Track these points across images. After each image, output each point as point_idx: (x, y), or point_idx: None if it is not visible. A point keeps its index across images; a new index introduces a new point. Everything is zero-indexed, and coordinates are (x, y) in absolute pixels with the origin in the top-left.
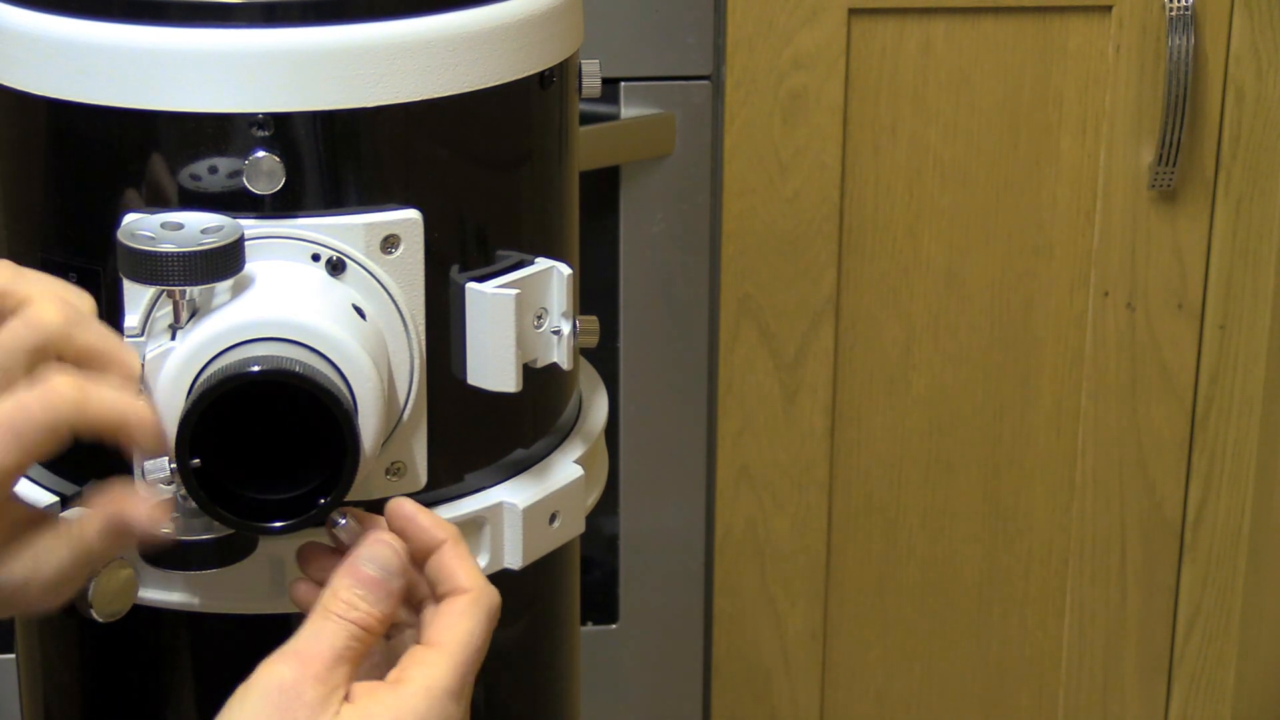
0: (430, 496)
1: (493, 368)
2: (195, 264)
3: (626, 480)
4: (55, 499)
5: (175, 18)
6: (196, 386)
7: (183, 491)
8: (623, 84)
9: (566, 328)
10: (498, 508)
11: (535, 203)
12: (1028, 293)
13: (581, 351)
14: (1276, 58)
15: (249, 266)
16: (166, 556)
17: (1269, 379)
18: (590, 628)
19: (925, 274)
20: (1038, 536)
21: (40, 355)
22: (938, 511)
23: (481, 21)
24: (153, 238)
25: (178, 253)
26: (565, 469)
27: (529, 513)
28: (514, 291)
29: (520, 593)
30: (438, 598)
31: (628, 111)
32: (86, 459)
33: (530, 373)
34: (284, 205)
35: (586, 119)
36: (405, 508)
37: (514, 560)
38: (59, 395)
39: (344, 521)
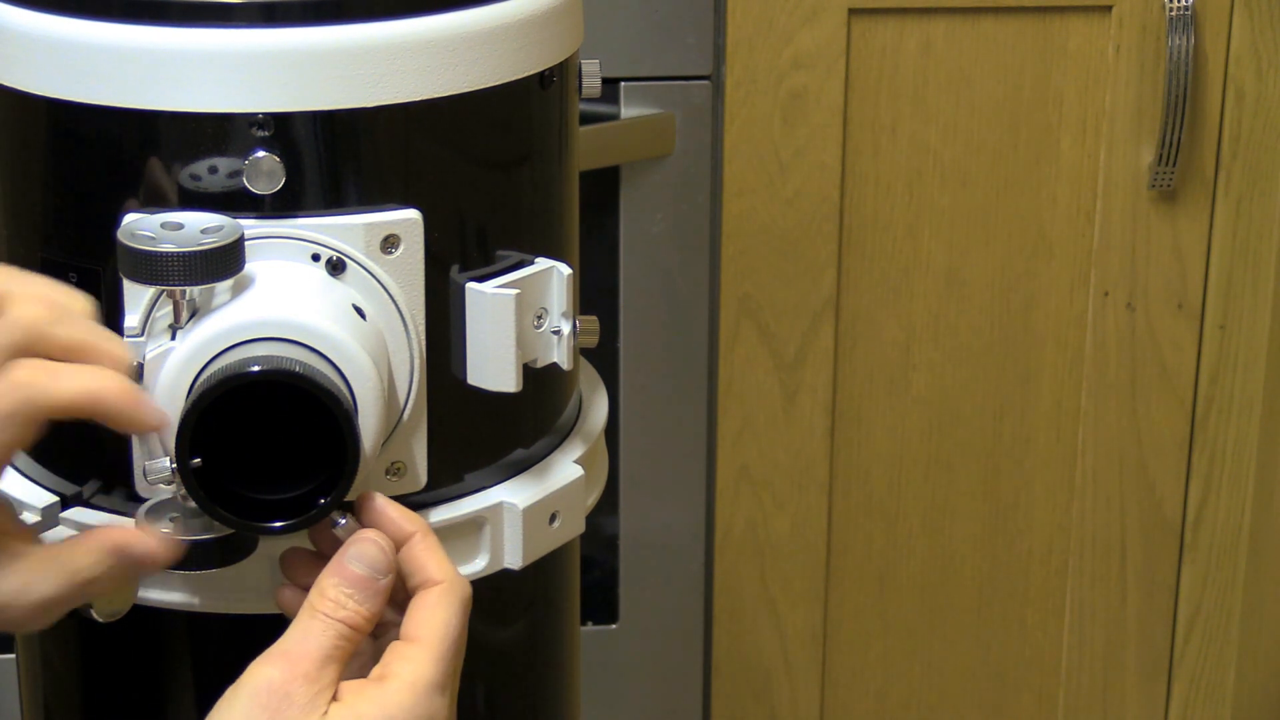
0: (430, 496)
1: (493, 368)
2: (195, 264)
3: (626, 480)
4: (55, 499)
5: (175, 18)
6: (196, 386)
7: (183, 492)
8: (623, 84)
9: (566, 328)
10: (498, 508)
11: (535, 203)
12: (1028, 293)
13: (581, 351)
14: (1276, 58)
15: (249, 266)
16: None
17: (1269, 379)
18: (590, 628)
19: (925, 274)
20: (1038, 536)
21: (18, 353)
22: (938, 511)
23: (481, 21)
24: (153, 238)
25: (178, 253)
26: (565, 469)
27: (529, 513)
28: (514, 291)
29: (520, 593)
30: (409, 590)
31: (628, 111)
32: (86, 458)
33: (530, 373)
34: (284, 205)
35: (586, 119)
36: (373, 501)
37: (514, 560)
38: (22, 381)
39: (344, 521)
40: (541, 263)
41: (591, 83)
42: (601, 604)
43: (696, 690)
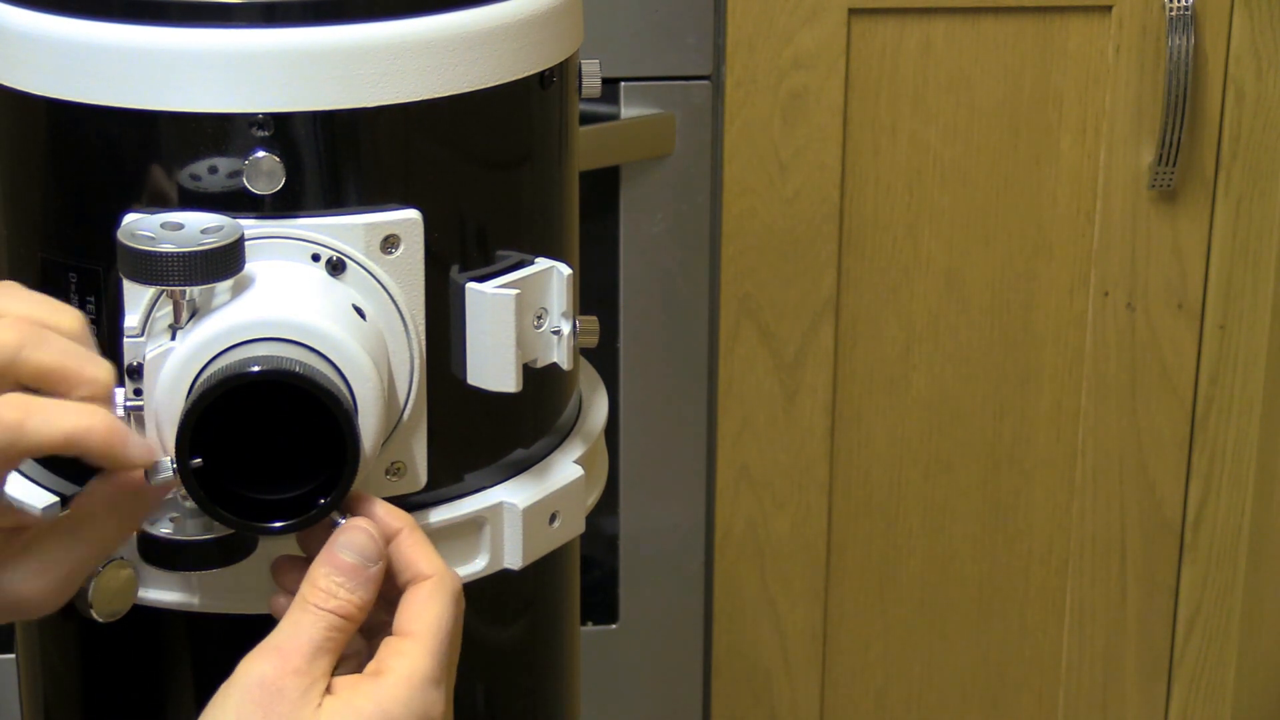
0: (430, 496)
1: (493, 368)
2: (195, 264)
3: (626, 480)
4: (55, 499)
5: (175, 18)
6: (196, 386)
7: (183, 492)
8: (623, 84)
9: (566, 328)
10: (498, 508)
11: (535, 203)
12: (1028, 293)
13: (581, 351)
14: (1276, 58)
15: (249, 266)
16: (167, 557)
17: (1269, 379)
18: (590, 628)
19: (925, 274)
20: (1038, 536)
21: None
22: (938, 511)
23: (481, 21)
24: (153, 238)
25: (178, 253)
26: (565, 469)
27: (529, 513)
28: (514, 291)
29: (520, 593)
30: (400, 586)
31: (628, 111)
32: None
33: (530, 373)
34: (284, 205)
35: (586, 119)
36: (360, 499)
37: (514, 560)
38: (4, 421)
39: (343, 521)
40: (541, 263)
41: (591, 83)
42: (601, 604)
43: (696, 690)
